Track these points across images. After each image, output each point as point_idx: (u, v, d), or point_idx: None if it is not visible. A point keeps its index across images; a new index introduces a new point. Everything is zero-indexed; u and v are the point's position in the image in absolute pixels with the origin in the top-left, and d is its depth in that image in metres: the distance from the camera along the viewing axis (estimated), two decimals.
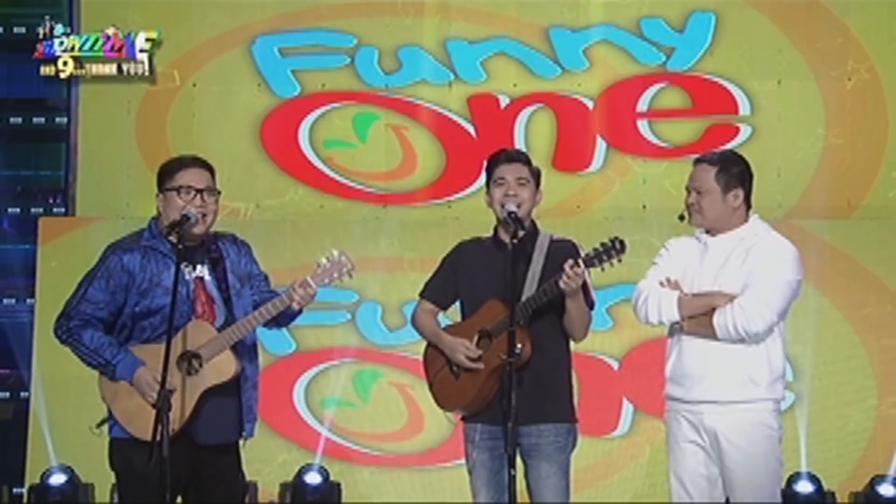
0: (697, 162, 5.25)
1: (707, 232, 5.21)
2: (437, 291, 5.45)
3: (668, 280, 5.18)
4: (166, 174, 5.12)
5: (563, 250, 5.21)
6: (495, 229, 5.38)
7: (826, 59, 8.97)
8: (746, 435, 5.05)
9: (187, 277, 5.04)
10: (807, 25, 8.98)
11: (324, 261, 5.06)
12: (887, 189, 8.93)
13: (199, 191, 5.05)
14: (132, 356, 5.01)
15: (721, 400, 5.05)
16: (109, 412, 5.08)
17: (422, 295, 5.49)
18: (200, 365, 4.97)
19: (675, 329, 5.19)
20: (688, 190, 5.21)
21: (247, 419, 5.10)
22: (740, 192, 5.17)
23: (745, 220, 5.20)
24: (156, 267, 5.04)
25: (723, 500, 5.12)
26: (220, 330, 5.01)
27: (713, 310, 5.05)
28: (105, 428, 5.10)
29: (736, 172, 5.19)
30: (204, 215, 5.05)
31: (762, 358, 5.08)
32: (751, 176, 5.24)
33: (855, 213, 8.88)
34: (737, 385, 5.06)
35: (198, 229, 5.04)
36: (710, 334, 5.06)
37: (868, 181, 8.94)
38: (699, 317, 5.09)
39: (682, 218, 5.24)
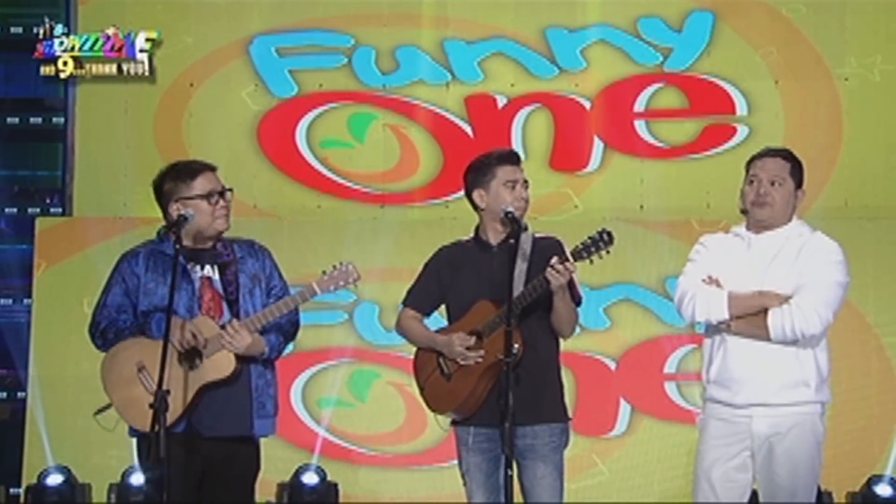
0: (766, 155, 5.09)
1: (748, 229, 5.09)
2: (421, 298, 5.42)
3: (710, 278, 5.00)
4: (181, 182, 5.18)
5: (548, 248, 5.18)
6: (476, 230, 5.37)
7: (825, 58, 8.97)
8: (797, 438, 4.92)
9: (194, 276, 5.16)
10: (805, 25, 8.98)
11: (331, 268, 5.15)
12: (888, 188, 8.94)
13: (220, 193, 5.20)
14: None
15: (772, 403, 4.91)
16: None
17: (405, 303, 5.45)
18: (201, 360, 5.04)
19: (716, 330, 5.01)
20: (751, 181, 5.03)
21: (258, 416, 5.13)
22: (800, 194, 5.10)
23: (789, 220, 5.08)
24: (161, 267, 5.16)
25: None
26: (223, 328, 5.07)
27: (764, 310, 4.90)
28: (103, 422, 5.15)
29: (802, 172, 5.10)
30: (226, 215, 5.20)
31: (810, 359, 4.93)
32: None
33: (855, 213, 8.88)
34: (787, 387, 4.90)
35: (219, 225, 5.17)
36: (762, 335, 4.89)
37: (867, 181, 8.95)
38: (749, 317, 4.92)
39: (744, 212, 5.05)
